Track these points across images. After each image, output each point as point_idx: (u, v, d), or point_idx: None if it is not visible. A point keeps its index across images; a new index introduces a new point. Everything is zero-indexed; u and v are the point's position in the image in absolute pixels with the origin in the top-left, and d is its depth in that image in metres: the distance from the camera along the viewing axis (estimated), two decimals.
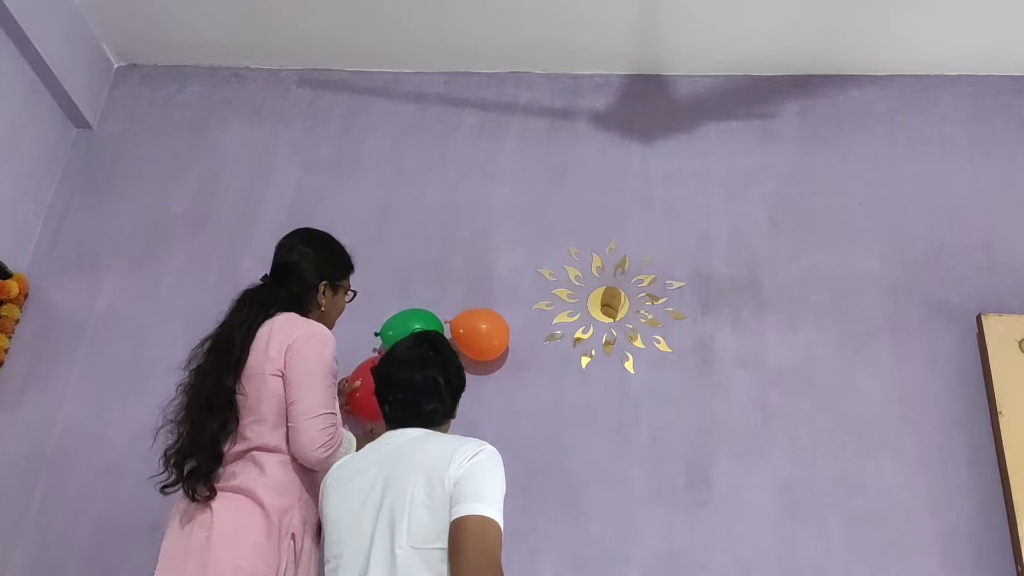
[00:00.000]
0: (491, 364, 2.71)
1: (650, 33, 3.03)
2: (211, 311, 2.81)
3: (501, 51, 3.17)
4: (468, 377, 2.70)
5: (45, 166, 3.10)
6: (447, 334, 2.72)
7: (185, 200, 3.08)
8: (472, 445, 1.80)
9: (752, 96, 3.13)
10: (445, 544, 1.69)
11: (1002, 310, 2.65)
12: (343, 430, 2.07)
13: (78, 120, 3.21)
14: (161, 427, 2.06)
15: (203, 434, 1.98)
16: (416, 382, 1.94)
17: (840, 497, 2.48)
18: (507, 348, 2.71)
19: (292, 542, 1.96)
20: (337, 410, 2.06)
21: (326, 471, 1.97)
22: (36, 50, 2.92)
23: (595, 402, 2.65)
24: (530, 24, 3.04)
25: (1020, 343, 2.57)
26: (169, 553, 1.96)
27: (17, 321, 2.89)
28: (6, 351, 2.83)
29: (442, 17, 3.04)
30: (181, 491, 1.99)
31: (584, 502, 2.52)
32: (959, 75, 3.10)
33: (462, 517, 1.67)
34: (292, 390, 1.99)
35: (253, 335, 2.05)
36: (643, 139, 3.07)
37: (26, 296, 2.93)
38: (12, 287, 2.86)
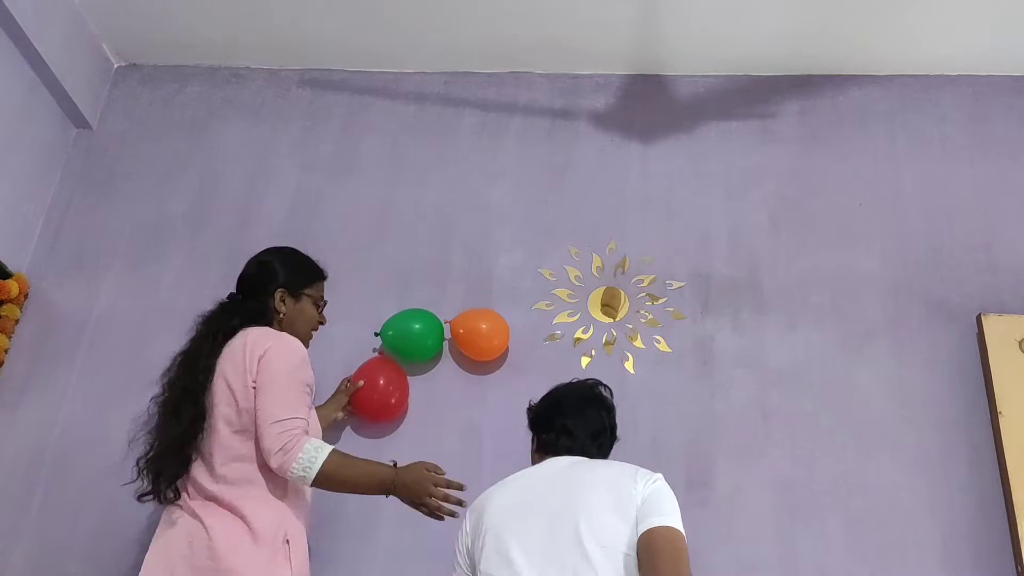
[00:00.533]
0: (491, 364, 2.71)
1: (650, 33, 3.03)
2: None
3: (501, 51, 3.17)
4: (468, 377, 2.73)
5: (45, 166, 3.10)
6: (447, 334, 2.72)
7: (185, 200, 3.08)
8: (648, 472, 1.87)
9: (752, 96, 3.13)
10: (629, 551, 1.72)
11: (1002, 310, 2.65)
12: (317, 440, 1.99)
13: (78, 120, 3.20)
14: (133, 439, 2.10)
15: (167, 438, 2.02)
16: (593, 418, 2.05)
17: (840, 497, 2.48)
18: (507, 348, 2.71)
19: (287, 547, 1.95)
20: (304, 416, 2.00)
21: (302, 478, 1.94)
22: (36, 50, 2.92)
23: None
24: (530, 24, 3.04)
25: (1020, 343, 2.57)
26: (150, 564, 1.98)
27: (17, 321, 2.88)
28: (6, 351, 2.83)
29: (442, 17, 3.04)
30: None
31: None
32: (959, 75, 3.10)
33: (657, 527, 1.73)
34: (258, 398, 1.98)
35: (220, 344, 2.07)
36: (643, 139, 3.07)
37: (26, 296, 2.93)
38: (12, 287, 2.85)
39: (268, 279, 2.20)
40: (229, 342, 2.07)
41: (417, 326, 2.66)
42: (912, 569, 2.39)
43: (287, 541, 1.96)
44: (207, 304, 2.87)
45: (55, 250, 3.02)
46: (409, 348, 2.65)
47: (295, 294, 2.21)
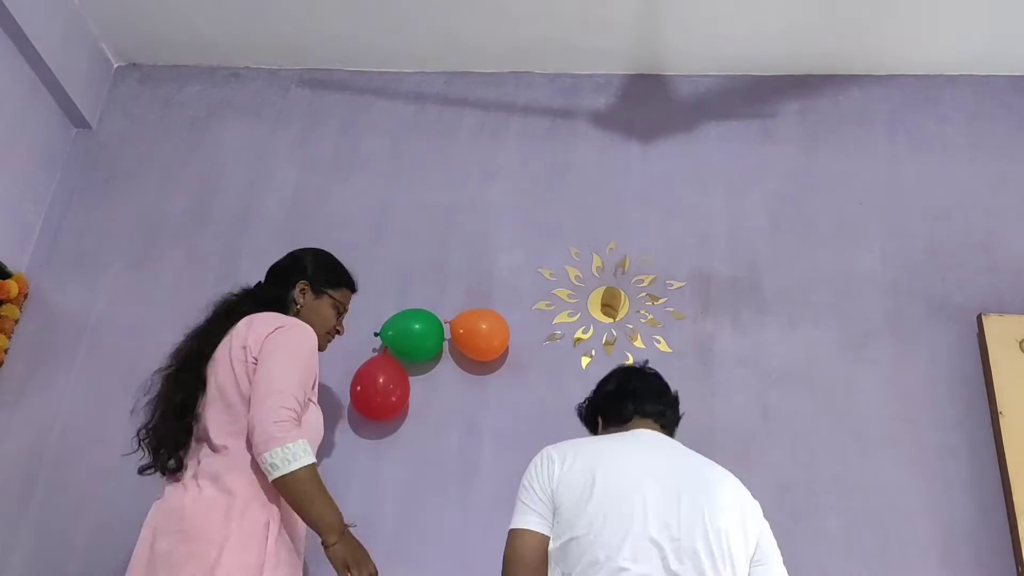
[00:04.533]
0: (491, 364, 2.71)
1: (650, 33, 3.03)
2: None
3: (501, 51, 3.17)
4: (468, 377, 2.73)
5: (44, 166, 3.10)
6: (447, 334, 2.72)
7: (185, 200, 3.08)
8: (752, 497, 1.89)
9: (752, 96, 3.13)
10: None
11: (1002, 310, 2.65)
12: (307, 443, 1.89)
13: (77, 120, 3.20)
14: (134, 409, 2.13)
15: (167, 405, 2.03)
16: (673, 396, 2.10)
17: (840, 497, 2.48)
18: (507, 348, 2.71)
19: (265, 531, 1.89)
20: (301, 401, 1.94)
21: (272, 467, 1.83)
22: (35, 50, 2.92)
23: None
24: (530, 24, 3.04)
25: (1020, 343, 2.57)
26: (136, 556, 1.97)
27: (17, 321, 2.88)
28: (6, 351, 2.83)
29: (442, 17, 3.04)
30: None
31: None
32: (959, 75, 3.10)
33: None
34: (259, 368, 1.94)
35: (232, 322, 2.07)
36: (643, 139, 3.07)
37: (26, 296, 2.93)
38: (12, 287, 2.85)
39: (295, 270, 2.23)
40: (240, 321, 2.07)
41: (417, 326, 2.66)
42: (912, 569, 2.39)
43: (267, 525, 1.89)
44: (207, 304, 2.88)
45: (55, 250, 3.02)
46: (409, 348, 2.65)
47: (317, 290, 2.22)
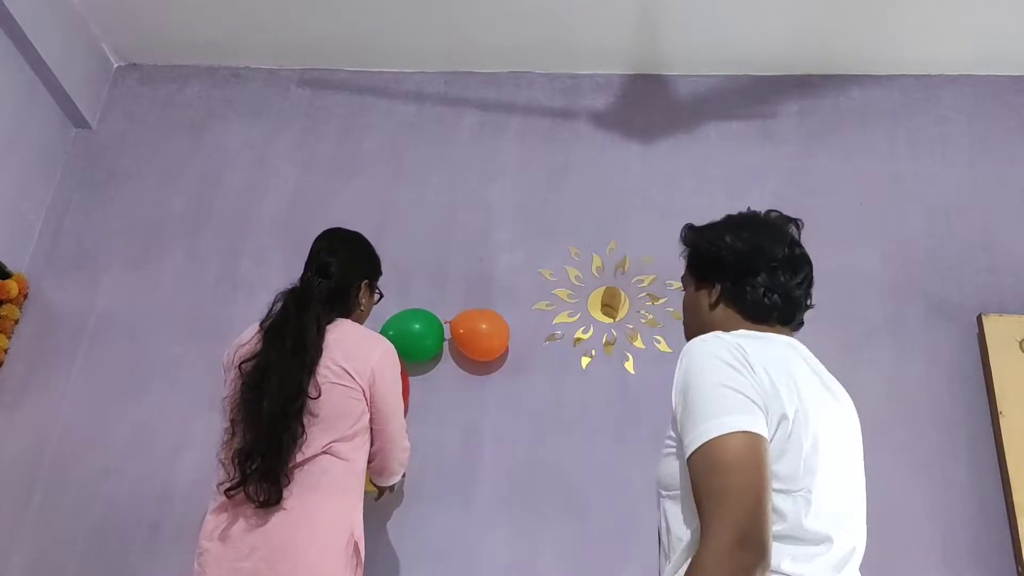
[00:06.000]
0: (491, 364, 2.71)
1: (650, 33, 3.03)
2: (210, 311, 2.85)
3: (501, 51, 3.17)
4: (468, 377, 2.73)
5: (44, 166, 3.10)
6: (447, 334, 2.72)
7: (184, 200, 3.08)
8: None
9: (752, 96, 3.12)
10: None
11: (1002, 310, 2.65)
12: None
13: (77, 120, 3.20)
14: (225, 423, 1.98)
15: (274, 437, 1.86)
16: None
17: None
18: (507, 348, 2.71)
19: (355, 550, 1.90)
20: None
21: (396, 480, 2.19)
22: (35, 50, 2.92)
23: (595, 402, 2.65)
24: (530, 24, 3.04)
25: (1020, 343, 2.57)
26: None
27: (17, 321, 2.88)
28: (6, 351, 2.83)
29: (442, 17, 3.04)
30: (220, 502, 1.89)
31: (584, 502, 2.52)
32: (959, 75, 3.10)
33: None
34: (386, 410, 2.02)
35: (323, 338, 1.97)
36: (643, 139, 3.07)
37: (26, 296, 2.93)
38: (12, 287, 2.85)
39: (357, 271, 2.15)
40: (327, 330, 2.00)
41: (417, 326, 2.66)
42: (912, 569, 2.39)
43: (356, 546, 1.90)
44: (206, 304, 2.89)
45: (54, 250, 3.02)
46: (409, 348, 2.65)
47: (372, 287, 2.22)
